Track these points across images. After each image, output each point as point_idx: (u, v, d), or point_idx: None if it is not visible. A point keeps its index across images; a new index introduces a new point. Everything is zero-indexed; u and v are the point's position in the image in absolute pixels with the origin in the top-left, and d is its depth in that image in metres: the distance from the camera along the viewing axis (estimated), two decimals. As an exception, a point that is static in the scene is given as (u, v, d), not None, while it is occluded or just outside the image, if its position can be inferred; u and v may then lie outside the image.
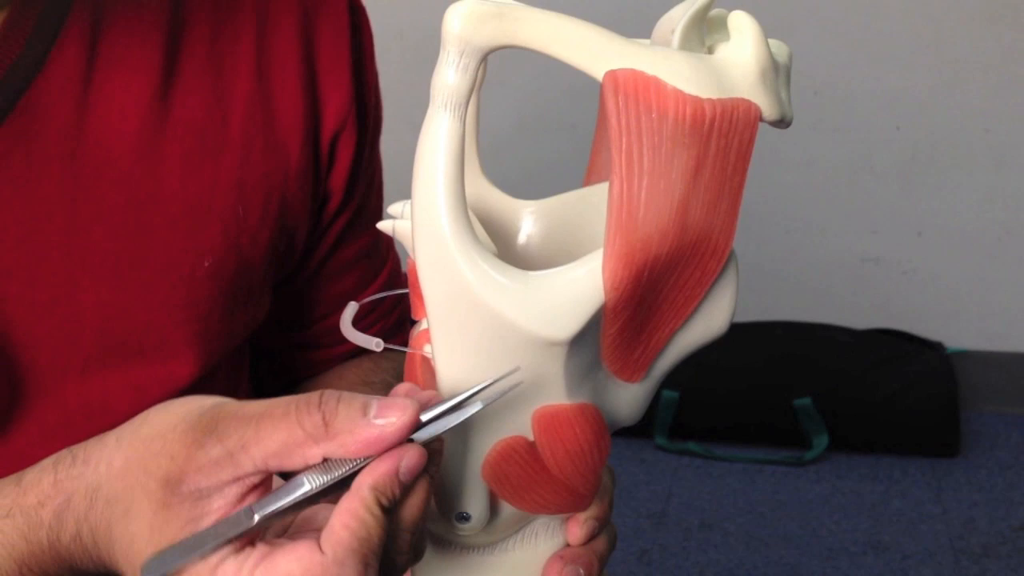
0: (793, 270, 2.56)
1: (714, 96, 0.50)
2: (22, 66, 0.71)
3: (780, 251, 2.54)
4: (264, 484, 0.53)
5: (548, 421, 0.55)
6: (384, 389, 0.86)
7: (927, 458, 2.35)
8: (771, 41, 0.53)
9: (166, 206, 0.75)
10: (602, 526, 0.62)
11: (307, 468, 0.51)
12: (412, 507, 0.52)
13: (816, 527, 2.16)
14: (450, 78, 0.50)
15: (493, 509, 0.58)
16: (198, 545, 0.51)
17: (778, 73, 0.53)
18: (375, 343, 0.57)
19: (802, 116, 2.32)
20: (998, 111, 2.43)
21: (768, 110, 0.51)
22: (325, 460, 0.51)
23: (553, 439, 0.55)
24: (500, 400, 0.53)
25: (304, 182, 0.81)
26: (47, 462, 0.59)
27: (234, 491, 0.52)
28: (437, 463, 0.54)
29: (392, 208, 0.61)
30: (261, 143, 0.79)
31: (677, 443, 2.40)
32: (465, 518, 0.57)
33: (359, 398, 0.52)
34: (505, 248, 0.62)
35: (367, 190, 0.87)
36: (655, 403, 2.25)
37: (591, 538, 0.62)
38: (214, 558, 0.51)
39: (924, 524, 2.16)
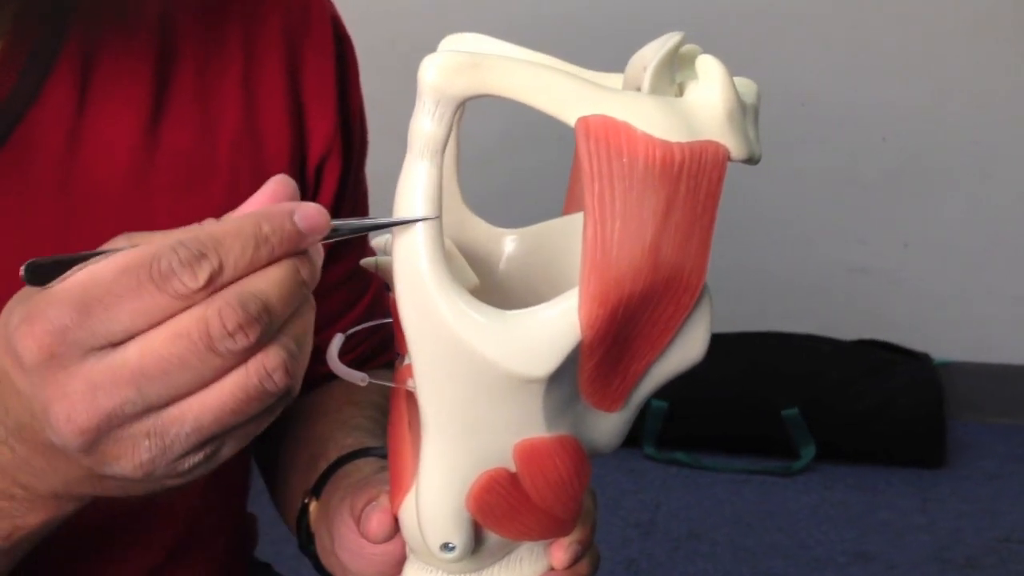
0: (780, 280, 2.57)
1: (683, 139, 0.51)
2: (17, 98, 0.72)
3: (767, 261, 2.55)
4: None
5: (529, 454, 0.56)
6: (370, 408, 0.87)
7: (913, 468, 2.37)
8: (738, 80, 0.54)
9: None
10: (585, 549, 0.63)
11: None
12: (262, 278, 0.53)
13: (803, 537, 2.17)
14: (426, 126, 0.51)
15: (478, 538, 0.59)
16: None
17: (745, 113, 0.54)
18: (360, 377, 0.58)
19: (790, 127, 2.36)
20: (984, 122, 2.44)
21: (736, 150, 0.52)
22: None
23: (534, 471, 0.57)
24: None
25: None
26: None
27: None
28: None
29: (375, 241, 0.63)
30: (248, 171, 0.80)
31: (665, 453, 2.41)
32: (450, 548, 0.58)
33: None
34: (486, 276, 0.63)
35: (352, 213, 0.88)
36: (643, 413, 2.26)
37: (575, 562, 0.63)
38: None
39: (910, 534, 2.17)
